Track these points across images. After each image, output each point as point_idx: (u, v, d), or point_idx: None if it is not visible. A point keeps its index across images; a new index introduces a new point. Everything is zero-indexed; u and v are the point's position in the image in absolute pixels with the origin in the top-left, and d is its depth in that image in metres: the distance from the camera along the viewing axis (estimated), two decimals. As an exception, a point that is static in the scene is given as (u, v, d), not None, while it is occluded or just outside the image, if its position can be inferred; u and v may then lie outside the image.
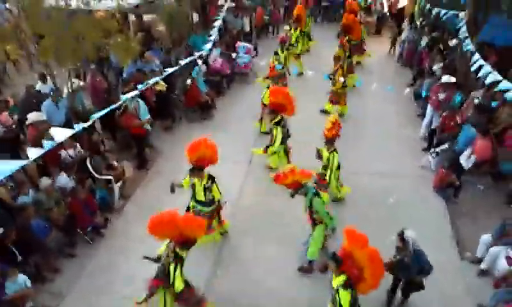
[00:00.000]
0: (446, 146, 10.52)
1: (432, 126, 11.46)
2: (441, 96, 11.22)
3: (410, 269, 6.79)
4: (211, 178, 8.11)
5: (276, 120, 9.98)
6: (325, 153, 9.10)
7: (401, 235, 6.78)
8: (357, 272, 5.81)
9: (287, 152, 10.32)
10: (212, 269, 8.14)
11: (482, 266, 7.93)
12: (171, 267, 6.40)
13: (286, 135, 10.21)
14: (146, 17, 16.48)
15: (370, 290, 5.92)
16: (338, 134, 9.08)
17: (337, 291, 5.86)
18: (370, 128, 12.15)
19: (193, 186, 8.12)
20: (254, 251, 8.54)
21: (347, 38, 13.88)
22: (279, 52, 13.36)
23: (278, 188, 9.01)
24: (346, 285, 5.82)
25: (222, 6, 16.87)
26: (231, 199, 9.40)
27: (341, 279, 5.90)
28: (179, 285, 6.40)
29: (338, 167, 9.29)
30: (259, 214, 9.40)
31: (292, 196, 7.68)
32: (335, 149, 9.10)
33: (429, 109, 11.66)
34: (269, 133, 10.30)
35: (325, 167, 9.15)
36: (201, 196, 8.14)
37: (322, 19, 21.63)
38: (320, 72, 13.11)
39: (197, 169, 7.93)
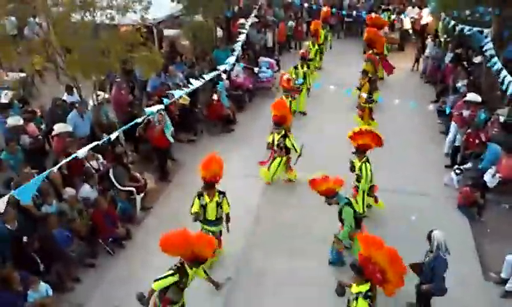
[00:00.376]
0: (470, 164, 10.37)
1: (456, 144, 11.32)
2: (466, 113, 11.10)
3: (425, 269, 6.73)
4: (221, 193, 7.99)
5: (282, 134, 10.25)
6: (357, 164, 9.03)
7: (429, 233, 6.82)
8: (380, 275, 5.72)
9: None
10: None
11: (507, 287, 7.74)
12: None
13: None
14: (168, 32, 16.79)
15: (397, 290, 5.83)
16: (368, 144, 8.95)
17: (356, 298, 5.80)
18: (392, 144, 11.97)
19: (204, 206, 7.88)
20: (280, 265, 8.48)
21: (370, 51, 13.91)
22: (298, 67, 13.51)
23: (296, 202, 9.05)
24: (367, 296, 5.75)
25: (245, 21, 17.02)
26: (250, 213, 9.43)
27: (363, 287, 5.82)
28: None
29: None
30: (277, 227, 9.37)
31: (329, 204, 7.87)
32: (367, 160, 9.00)
33: (453, 126, 11.52)
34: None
35: (358, 178, 9.00)
36: (212, 215, 7.94)
37: (344, 35, 21.65)
38: (342, 86, 13.08)
39: (210, 185, 7.83)
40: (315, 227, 9.14)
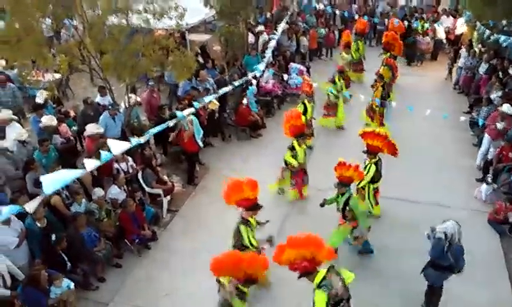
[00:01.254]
0: (504, 177, 10.10)
1: (489, 157, 11.04)
2: (500, 125, 10.83)
3: (433, 248, 6.79)
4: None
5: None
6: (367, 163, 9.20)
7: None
8: (308, 263, 5.55)
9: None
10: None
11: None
12: (236, 302, 6.26)
13: None
14: (200, 37, 16.93)
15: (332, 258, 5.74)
16: (378, 147, 9.05)
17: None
18: (423, 155, 11.83)
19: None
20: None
21: (388, 54, 13.86)
22: (336, 80, 13.40)
23: (320, 212, 8.96)
24: (320, 285, 5.55)
25: (276, 27, 17.06)
26: (275, 222, 9.41)
27: (317, 279, 5.62)
28: None
29: (373, 181, 9.25)
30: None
31: (339, 191, 8.22)
32: (375, 162, 9.08)
33: (486, 138, 11.26)
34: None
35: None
36: (255, 239, 7.36)
37: (376, 42, 21.46)
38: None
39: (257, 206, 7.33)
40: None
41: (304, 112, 11.40)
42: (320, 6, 20.32)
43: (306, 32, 18.68)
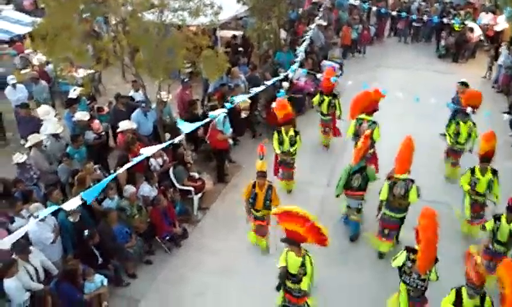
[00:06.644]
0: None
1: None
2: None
3: None
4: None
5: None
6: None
7: None
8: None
9: None
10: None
11: None
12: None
13: None
14: (227, 33, 16.83)
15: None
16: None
17: None
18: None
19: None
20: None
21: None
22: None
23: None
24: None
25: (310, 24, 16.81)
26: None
27: None
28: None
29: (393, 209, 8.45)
30: (337, 239, 9.02)
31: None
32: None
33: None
34: None
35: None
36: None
37: (412, 39, 20.94)
38: (410, 94, 12.52)
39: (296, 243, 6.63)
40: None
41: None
42: (355, 2, 19.88)
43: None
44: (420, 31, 20.66)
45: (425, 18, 19.17)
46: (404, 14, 19.03)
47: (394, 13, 19.60)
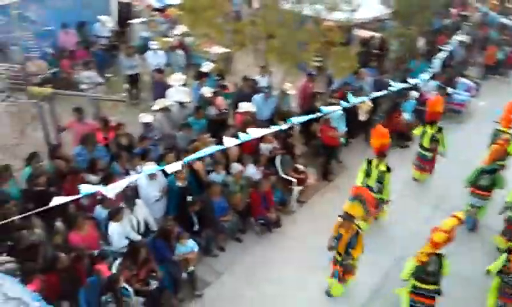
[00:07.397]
0: None
1: None
2: None
3: None
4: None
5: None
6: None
7: None
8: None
9: None
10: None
11: None
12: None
13: None
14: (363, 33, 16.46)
15: None
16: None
17: None
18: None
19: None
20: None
21: None
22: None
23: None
24: None
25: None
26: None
27: None
28: None
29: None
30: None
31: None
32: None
33: None
34: None
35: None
36: None
37: None
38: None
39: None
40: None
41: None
42: (507, 22, 18.22)
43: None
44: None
45: None
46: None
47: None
